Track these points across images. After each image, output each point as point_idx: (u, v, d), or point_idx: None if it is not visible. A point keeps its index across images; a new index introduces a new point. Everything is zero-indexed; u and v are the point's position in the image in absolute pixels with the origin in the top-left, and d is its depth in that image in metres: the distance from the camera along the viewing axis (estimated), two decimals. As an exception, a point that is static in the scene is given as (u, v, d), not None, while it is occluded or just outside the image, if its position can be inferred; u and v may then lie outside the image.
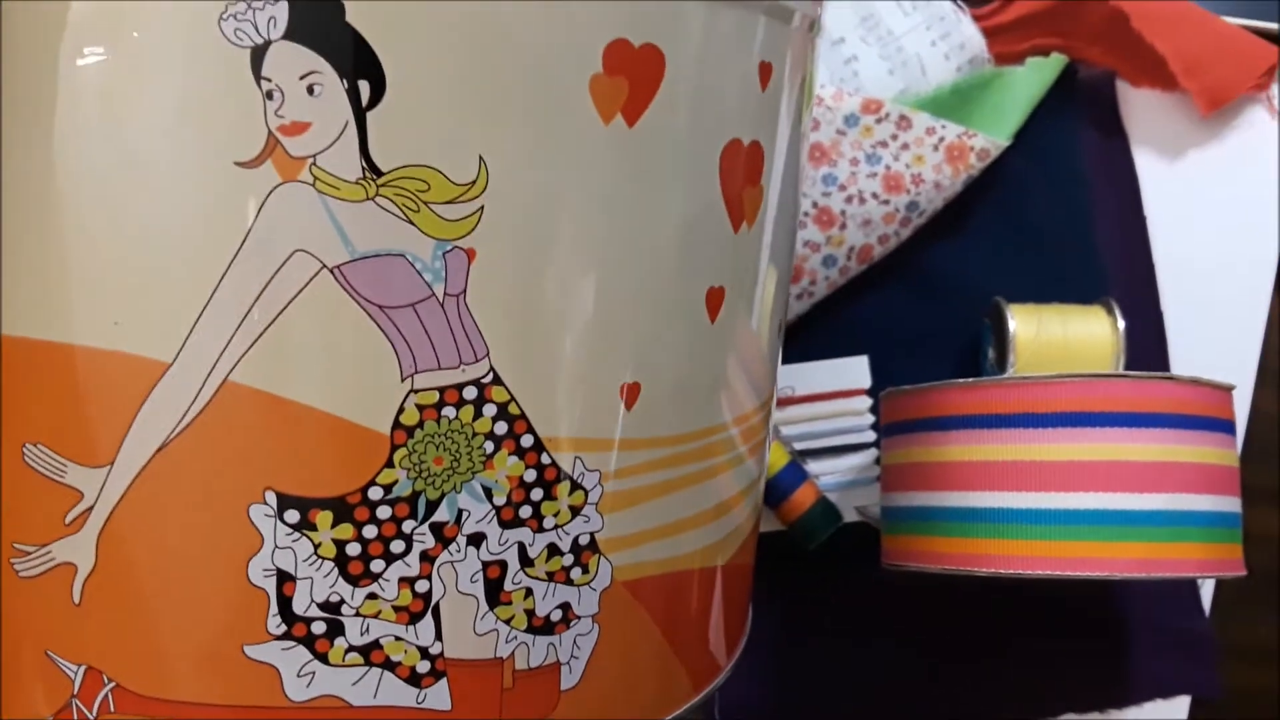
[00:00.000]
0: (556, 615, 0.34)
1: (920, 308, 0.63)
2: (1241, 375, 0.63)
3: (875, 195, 0.60)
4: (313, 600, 0.31)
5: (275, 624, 0.31)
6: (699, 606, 0.41)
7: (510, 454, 0.32)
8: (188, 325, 0.29)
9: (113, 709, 0.32)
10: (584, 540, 0.34)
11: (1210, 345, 0.64)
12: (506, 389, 0.32)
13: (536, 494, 0.33)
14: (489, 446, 0.32)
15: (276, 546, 0.30)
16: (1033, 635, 0.60)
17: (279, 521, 0.30)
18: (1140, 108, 0.67)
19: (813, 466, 0.61)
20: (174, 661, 0.31)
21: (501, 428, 0.32)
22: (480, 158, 0.29)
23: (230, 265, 0.29)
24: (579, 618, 0.35)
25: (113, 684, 0.32)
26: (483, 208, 0.30)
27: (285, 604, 0.31)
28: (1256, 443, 0.63)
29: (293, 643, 0.31)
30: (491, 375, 0.31)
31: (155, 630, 0.31)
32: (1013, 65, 0.64)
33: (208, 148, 0.28)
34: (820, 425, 0.61)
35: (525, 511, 0.33)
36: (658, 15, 0.31)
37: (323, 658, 0.31)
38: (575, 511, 0.34)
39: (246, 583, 0.31)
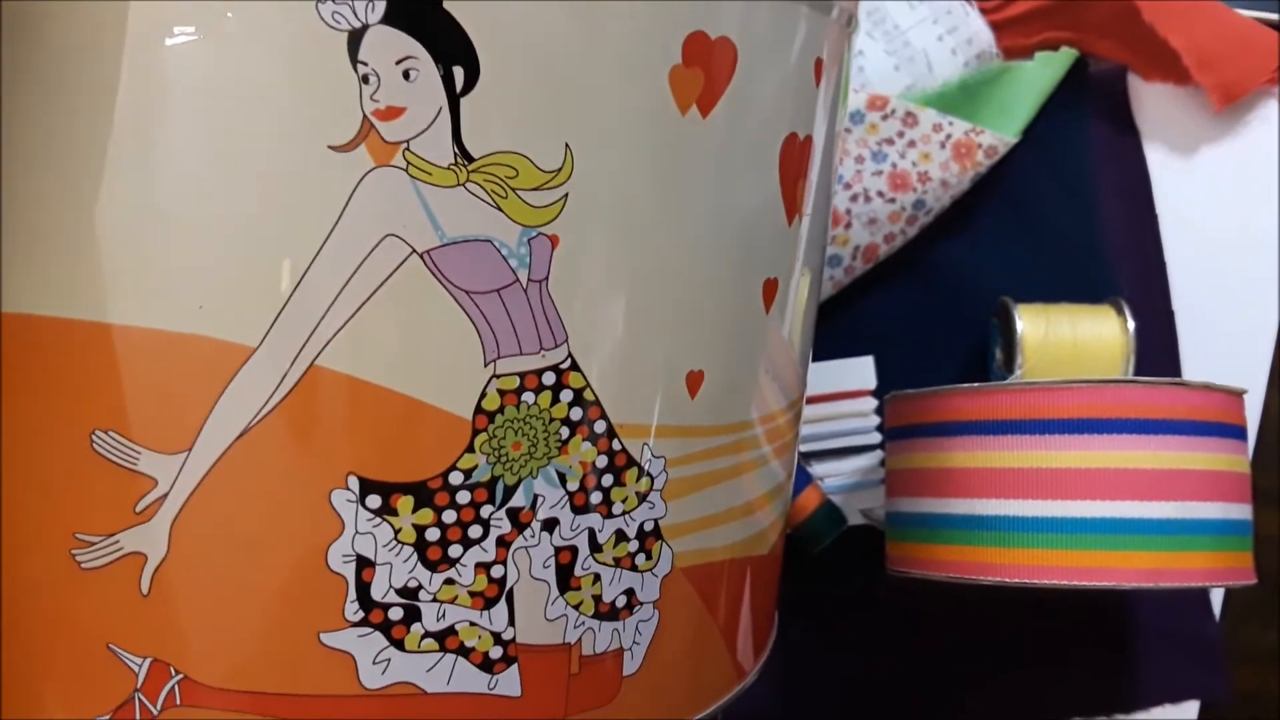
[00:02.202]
0: (621, 601, 0.35)
1: (927, 307, 0.63)
2: (1253, 375, 0.62)
3: (881, 194, 0.59)
4: (391, 586, 0.31)
5: (353, 610, 0.31)
6: (745, 593, 0.41)
7: (584, 440, 0.32)
8: (274, 310, 0.29)
9: (179, 701, 0.31)
10: (648, 526, 0.35)
11: (1222, 345, 0.63)
12: (583, 375, 0.32)
13: (607, 480, 0.33)
14: (564, 432, 0.32)
15: (357, 532, 0.30)
16: (1039, 639, 0.60)
17: (360, 507, 0.30)
18: (1152, 103, 0.66)
19: (817, 469, 0.61)
20: (246, 651, 0.31)
21: (577, 413, 0.32)
22: (567, 145, 0.30)
23: (321, 249, 0.29)
24: (641, 604, 0.35)
25: (180, 676, 0.31)
26: (567, 195, 0.30)
27: (364, 590, 0.31)
28: (1267, 444, 0.61)
29: (370, 629, 0.31)
30: (570, 361, 0.32)
31: (228, 619, 0.31)
32: (1022, 60, 0.63)
33: (301, 131, 0.28)
34: (825, 426, 0.60)
35: (596, 497, 0.33)
36: (732, 9, 0.32)
37: (399, 644, 0.31)
38: (641, 498, 0.34)
39: (325, 569, 0.30)
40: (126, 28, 0.28)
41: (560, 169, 0.30)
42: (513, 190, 0.29)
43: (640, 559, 0.35)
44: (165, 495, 0.30)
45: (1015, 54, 0.65)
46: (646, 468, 0.34)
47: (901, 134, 0.60)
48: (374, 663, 0.31)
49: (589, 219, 0.31)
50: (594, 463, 0.33)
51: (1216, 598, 0.62)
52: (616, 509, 0.34)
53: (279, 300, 0.29)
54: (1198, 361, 0.63)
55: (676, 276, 0.33)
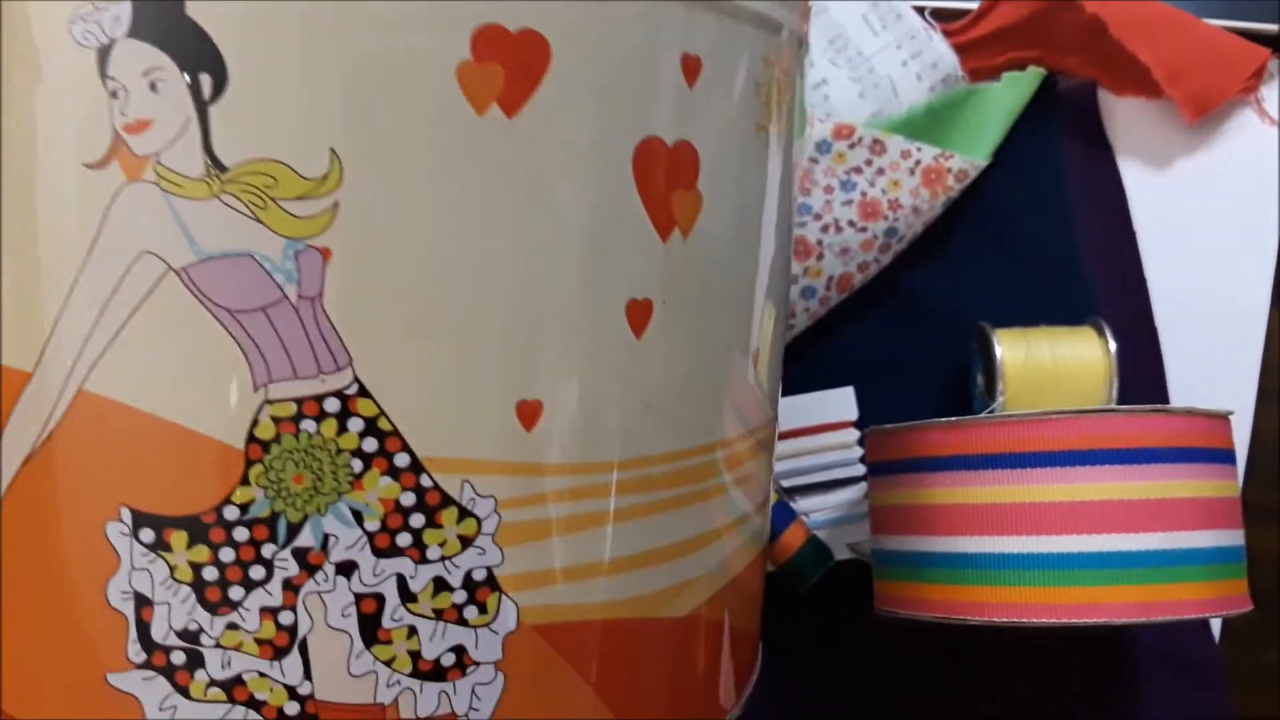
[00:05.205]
0: (449, 659, 0.31)
1: (905, 335, 0.61)
2: (1241, 391, 0.60)
3: (852, 223, 0.58)
4: (171, 627, 0.29)
5: (135, 651, 0.29)
6: (651, 664, 0.36)
7: (382, 474, 0.29)
8: (46, 333, 0.28)
9: (-16, 740, 0.31)
10: (479, 575, 0.31)
11: (1208, 363, 0.60)
12: (374, 402, 0.29)
13: (416, 520, 0.30)
14: (356, 465, 0.29)
15: (133, 567, 0.29)
16: (1036, 668, 0.57)
17: (134, 541, 0.29)
18: (1124, 118, 0.64)
19: (801, 504, 0.58)
20: (34, 690, 0.30)
21: (370, 444, 0.29)
22: (332, 150, 0.28)
23: (82, 268, 0.28)
24: (477, 664, 0.31)
25: (-12, 712, 0.31)
26: (338, 204, 0.28)
27: (144, 630, 0.29)
28: (1259, 462, 0.60)
29: (153, 673, 0.29)
30: (356, 386, 0.29)
31: (15, 657, 0.30)
32: (988, 81, 0.62)
33: (60, 151, 0.28)
34: (807, 461, 0.58)
35: (404, 539, 0.30)
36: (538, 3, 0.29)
37: (184, 691, 0.29)
38: (466, 542, 0.31)
39: (106, 605, 0.29)
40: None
41: (326, 176, 0.28)
42: (272, 200, 0.28)
43: (470, 612, 0.31)
44: (-32, 526, 0.30)
45: (982, 75, 0.63)
46: (470, 508, 0.31)
47: (870, 162, 0.59)
48: (160, 709, 0.30)
49: (367, 230, 0.28)
50: (398, 500, 0.30)
51: (1215, 619, 0.58)
52: (432, 553, 0.30)
53: (49, 323, 0.28)
54: (1183, 381, 0.60)
55: (489, 294, 0.30)
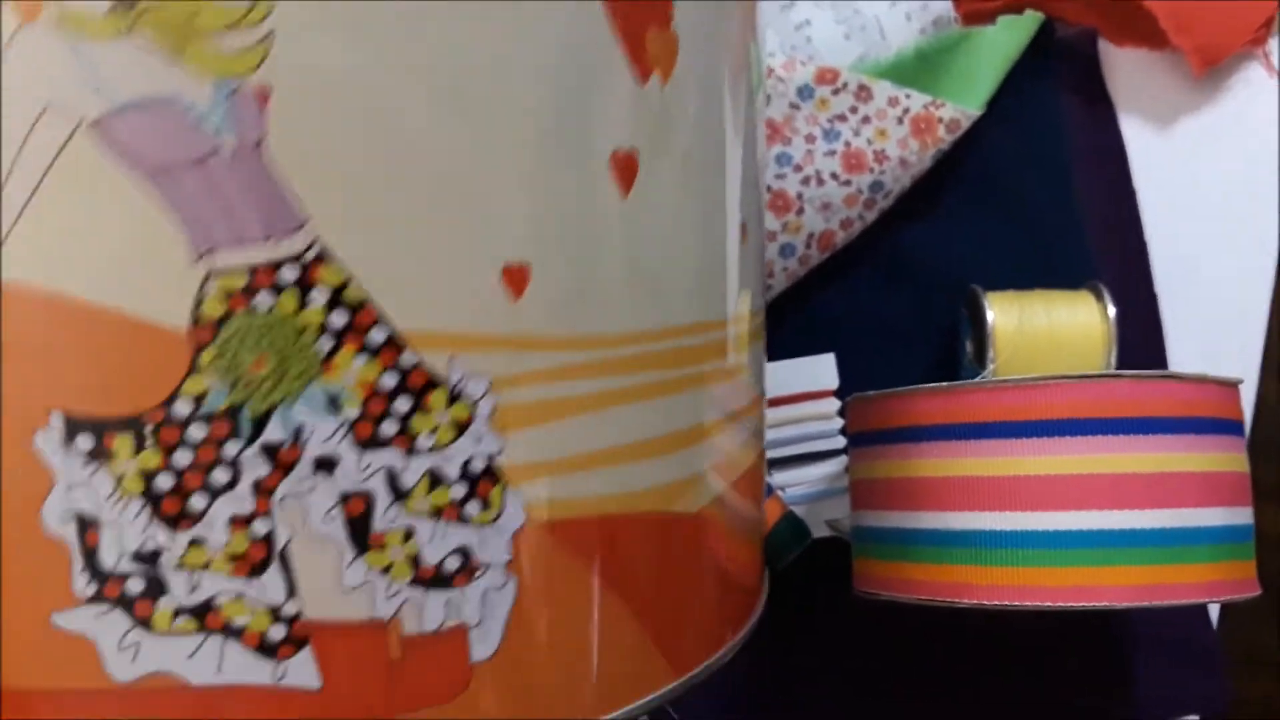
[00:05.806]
0: (453, 563, 0.27)
1: (890, 298, 0.57)
2: (1244, 362, 0.56)
3: (835, 175, 0.54)
4: (123, 550, 0.25)
5: (83, 583, 0.25)
6: (671, 564, 0.33)
7: (357, 352, 0.26)
8: (-58, 215, 0.24)
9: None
10: (478, 466, 0.27)
11: (1209, 330, 0.57)
12: (340, 267, 0.25)
13: (402, 404, 0.26)
14: (325, 343, 0.25)
15: (71, 484, 0.25)
16: (1027, 654, 0.53)
17: (70, 451, 0.25)
18: (1126, 70, 0.60)
19: (777, 477, 0.55)
20: (-25, 641, 0.26)
21: (340, 318, 0.25)
22: (262, -30, 0.24)
23: (-25, 134, 0.24)
24: (484, 566, 0.28)
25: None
26: (273, 33, 0.24)
27: (91, 557, 0.25)
28: (1262, 435, 0.55)
29: (107, 606, 0.25)
30: (316, 250, 0.25)
31: (-45, 604, 0.26)
32: (983, 25, 0.57)
33: (-67, -7, 0.23)
34: (784, 431, 0.54)
35: (389, 428, 0.26)
36: None
37: (145, 624, 0.25)
38: (461, 428, 0.27)
39: (42, 533, 0.25)
40: None
41: (256, 2, 0.24)
42: (195, 34, 0.23)
43: (472, 508, 0.27)
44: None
45: (975, 19, 0.58)
46: (461, 389, 0.27)
47: (855, 109, 0.54)
48: (120, 649, 0.25)
49: (311, 62, 0.24)
50: (378, 382, 0.26)
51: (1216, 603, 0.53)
52: (423, 443, 0.27)
53: (-56, 204, 0.24)
54: (1183, 349, 0.57)
55: (459, 138, 0.26)
